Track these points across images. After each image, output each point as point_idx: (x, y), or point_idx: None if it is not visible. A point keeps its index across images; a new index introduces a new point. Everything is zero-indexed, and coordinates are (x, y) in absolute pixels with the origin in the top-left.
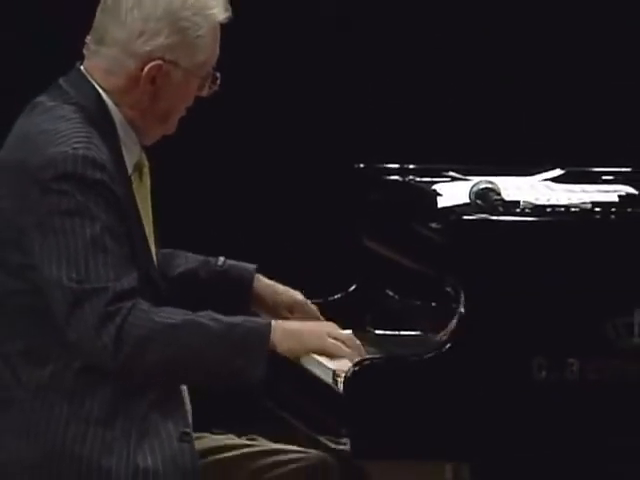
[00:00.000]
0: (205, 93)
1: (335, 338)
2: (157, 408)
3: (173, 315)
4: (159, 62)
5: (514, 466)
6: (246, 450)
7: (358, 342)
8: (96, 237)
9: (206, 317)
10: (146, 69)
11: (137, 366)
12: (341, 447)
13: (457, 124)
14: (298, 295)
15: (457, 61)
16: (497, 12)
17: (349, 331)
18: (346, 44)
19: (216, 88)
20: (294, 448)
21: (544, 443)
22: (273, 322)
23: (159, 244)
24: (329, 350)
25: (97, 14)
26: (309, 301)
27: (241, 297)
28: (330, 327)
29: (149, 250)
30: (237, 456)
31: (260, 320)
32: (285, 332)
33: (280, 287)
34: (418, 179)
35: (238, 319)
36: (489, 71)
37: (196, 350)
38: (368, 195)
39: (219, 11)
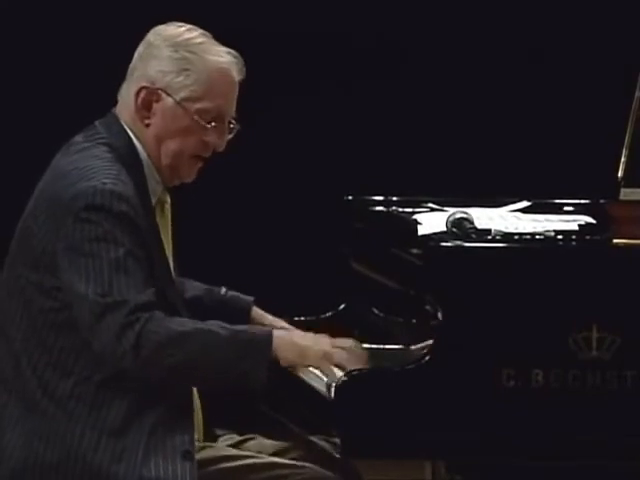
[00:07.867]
0: (211, 139)
1: (331, 358)
2: (166, 424)
3: (186, 323)
4: (147, 85)
5: (485, 463)
6: (245, 462)
7: (358, 350)
8: (119, 260)
9: (215, 325)
10: (140, 93)
11: (154, 369)
12: (332, 446)
13: (437, 161)
14: (284, 324)
15: (436, 106)
16: (463, 48)
17: (350, 340)
18: (343, 90)
19: (226, 140)
20: (291, 463)
21: (512, 443)
22: (275, 331)
23: (177, 271)
24: (324, 370)
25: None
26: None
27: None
28: (329, 348)
29: (169, 273)
30: (236, 467)
31: (262, 328)
32: (287, 343)
33: (270, 317)
34: (400, 210)
35: (243, 327)
36: (468, 114)
37: (206, 354)
38: (356, 224)
39: (225, 60)
